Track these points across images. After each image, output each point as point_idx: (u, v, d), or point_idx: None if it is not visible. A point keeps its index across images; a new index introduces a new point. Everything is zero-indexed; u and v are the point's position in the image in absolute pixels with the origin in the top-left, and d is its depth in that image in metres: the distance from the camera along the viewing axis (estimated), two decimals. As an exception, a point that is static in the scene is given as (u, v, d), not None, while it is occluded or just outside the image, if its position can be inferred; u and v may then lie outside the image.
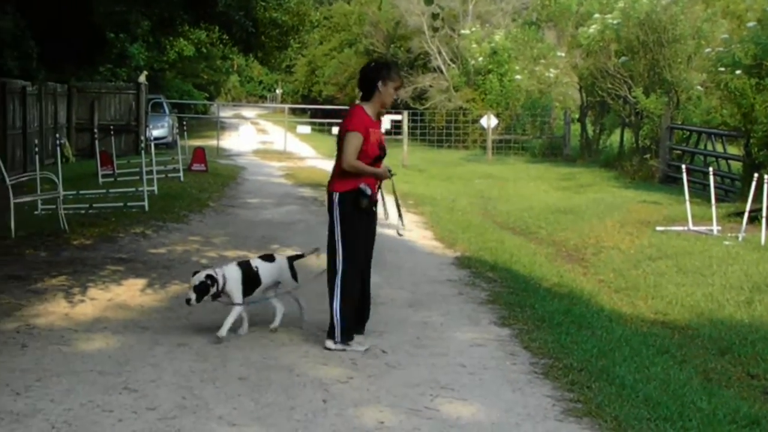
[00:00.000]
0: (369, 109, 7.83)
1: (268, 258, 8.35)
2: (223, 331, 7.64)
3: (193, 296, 7.66)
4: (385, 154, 7.85)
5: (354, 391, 6.59)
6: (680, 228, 15.45)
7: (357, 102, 8.07)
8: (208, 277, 7.70)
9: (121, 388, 6.44)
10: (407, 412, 6.19)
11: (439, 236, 14.48)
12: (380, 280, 10.69)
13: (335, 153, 7.85)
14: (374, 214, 7.86)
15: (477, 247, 13.31)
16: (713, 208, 15.59)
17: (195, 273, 7.84)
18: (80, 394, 6.28)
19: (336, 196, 7.65)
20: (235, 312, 7.82)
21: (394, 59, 49.43)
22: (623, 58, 26.97)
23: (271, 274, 8.13)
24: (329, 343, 7.65)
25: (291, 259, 8.38)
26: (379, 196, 7.82)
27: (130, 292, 9.54)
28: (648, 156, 25.16)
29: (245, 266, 8.03)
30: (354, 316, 7.74)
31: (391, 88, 7.85)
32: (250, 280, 7.96)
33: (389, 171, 7.90)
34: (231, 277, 7.84)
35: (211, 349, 7.48)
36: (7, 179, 13.50)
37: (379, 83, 7.77)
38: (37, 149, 16.11)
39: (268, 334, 8.06)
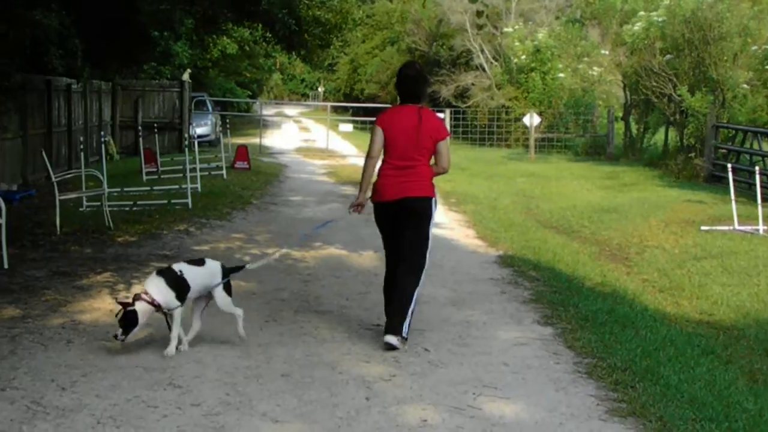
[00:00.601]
0: None
1: (197, 262, 7.60)
2: (171, 349, 7.16)
3: (119, 332, 7.05)
4: None
5: (397, 389, 6.59)
6: (725, 227, 15.31)
7: (422, 105, 8.04)
8: (129, 312, 7.04)
9: (165, 384, 6.48)
10: (450, 410, 6.18)
11: (481, 235, 14.44)
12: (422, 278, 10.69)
13: (416, 154, 7.82)
14: None
15: (519, 246, 13.26)
16: (759, 207, 15.44)
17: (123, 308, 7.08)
18: (125, 389, 6.33)
19: (433, 201, 7.89)
20: (178, 320, 7.22)
21: (436, 57, 49.42)
22: (668, 56, 26.73)
23: (201, 278, 7.37)
24: (394, 339, 7.55)
25: (227, 269, 7.61)
26: None
27: (174, 289, 9.59)
28: (693, 155, 24.92)
29: (168, 272, 7.32)
30: None
31: None
32: (178, 286, 7.22)
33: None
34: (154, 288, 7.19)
35: (255, 346, 7.51)
36: (53, 176, 13.63)
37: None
38: (82, 147, 16.26)
39: (311, 330, 8.07)
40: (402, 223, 7.80)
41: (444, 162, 7.99)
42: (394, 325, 7.59)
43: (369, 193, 7.99)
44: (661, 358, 7.56)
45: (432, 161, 8.03)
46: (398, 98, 8.08)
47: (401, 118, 7.86)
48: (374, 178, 7.96)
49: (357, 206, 8.01)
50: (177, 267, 7.36)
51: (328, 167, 26.72)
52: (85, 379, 6.53)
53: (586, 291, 10.32)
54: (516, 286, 10.50)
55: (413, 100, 7.95)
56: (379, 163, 7.95)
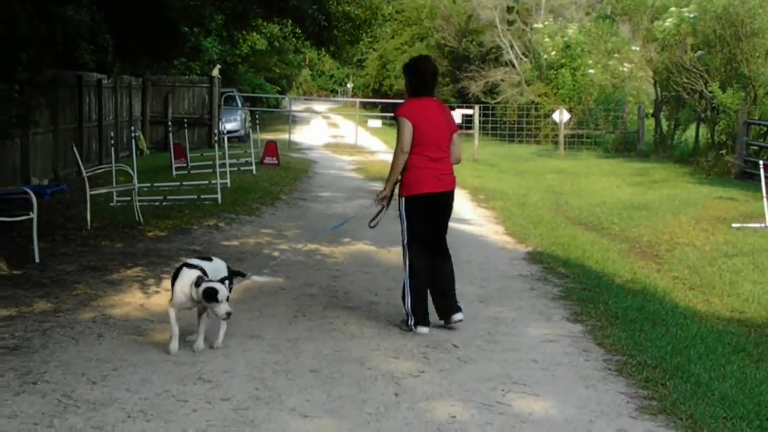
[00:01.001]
0: None
1: (205, 258, 7.68)
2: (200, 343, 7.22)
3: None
4: None
5: (425, 385, 6.59)
6: (757, 225, 15.20)
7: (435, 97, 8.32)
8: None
9: (195, 378, 6.50)
10: (479, 406, 6.17)
11: (510, 231, 14.40)
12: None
13: (444, 147, 8.07)
14: None
15: (549, 243, 13.22)
16: (791, 205, 15.32)
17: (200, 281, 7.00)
18: (155, 383, 6.36)
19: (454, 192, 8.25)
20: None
21: (465, 53, 49.35)
22: (699, 52, 26.57)
23: (211, 272, 7.22)
24: (461, 315, 8.18)
25: (231, 270, 7.61)
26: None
27: (204, 284, 9.63)
28: (724, 152, 24.75)
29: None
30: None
31: None
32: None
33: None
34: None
35: (284, 341, 7.53)
36: (84, 171, 13.72)
37: None
38: (112, 142, 16.37)
39: (340, 326, 8.08)
40: (438, 214, 8.08)
41: (459, 152, 8.29)
42: (455, 305, 8.16)
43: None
44: (691, 355, 7.51)
45: None
46: (414, 91, 8.16)
47: (429, 111, 8.01)
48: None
49: (383, 199, 8.21)
50: (190, 262, 7.35)
51: (356, 163, 26.75)
52: (115, 373, 6.56)
53: (616, 288, 10.28)
54: (545, 282, 10.47)
55: (431, 94, 8.17)
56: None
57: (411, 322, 8.00)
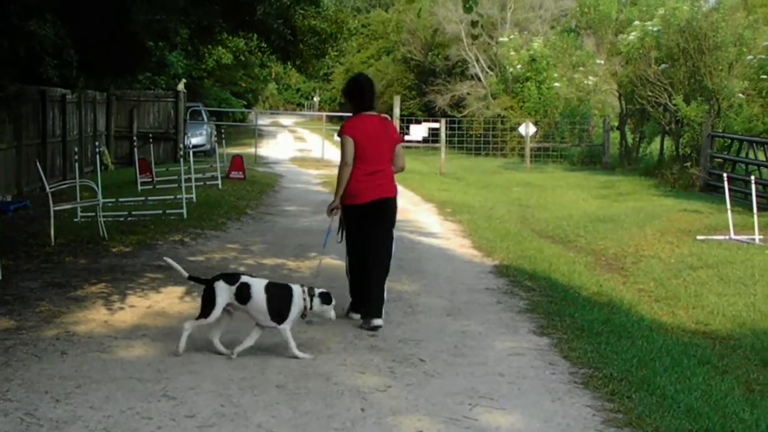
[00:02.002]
0: None
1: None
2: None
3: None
4: None
5: (392, 399, 6.56)
6: (721, 237, 15.32)
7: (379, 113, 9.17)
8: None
9: (160, 395, 6.45)
10: (446, 421, 6.15)
11: (477, 245, 14.42)
12: (418, 288, 10.69)
13: (383, 159, 8.88)
14: None
15: (515, 256, 13.25)
16: (755, 217, 15.46)
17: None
18: (119, 401, 6.29)
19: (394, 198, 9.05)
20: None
21: (431, 67, 49.49)
22: (663, 66, 26.80)
23: None
24: (381, 321, 8.68)
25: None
26: None
27: (169, 300, 9.57)
28: (688, 164, 24.96)
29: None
30: None
31: None
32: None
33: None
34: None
35: (249, 357, 7.48)
36: (47, 187, 13.61)
37: None
38: (76, 157, 16.24)
39: (307, 341, 8.04)
40: (373, 218, 8.84)
41: (402, 162, 9.14)
42: (378, 310, 8.68)
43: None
44: (657, 368, 7.54)
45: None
46: (355, 109, 8.96)
47: (369, 126, 8.83)
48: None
49: (333, 210, 8.99)
50: (275, 282, 7.97)
51: (323, 177, 26.70)
52: (79, 390, 6.49)
53: (582, 301, 10.31)
54: (512, 295, 10.49)
55: (371, 108, 8.95)
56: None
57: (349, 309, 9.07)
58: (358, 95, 8.95)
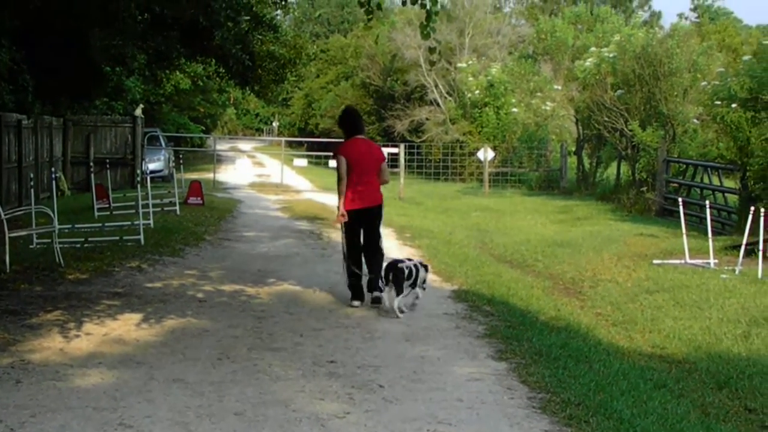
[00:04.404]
0: None
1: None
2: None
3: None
4: None
5: (351, 426, 6.55)
6: (677, 261, 15.44)
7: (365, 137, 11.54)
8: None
9: (116, 424, 6.39)
10: (404, 447, 6.14)
11: (435, 269, 14.40)
12: (375, 313, 10.68)
13: (371, 174, 11.07)
14: None
15: (474, 281, 13.28)
16: (710, 241, 15.60)
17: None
18: (75, 430, 6.23)
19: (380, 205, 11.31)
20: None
21: (390, 92, 49.64)
22: (619, 92, 27.06)
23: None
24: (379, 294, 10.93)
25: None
26: None
27: (126, 327, 9.50)
28: (644, 189, 25.17)
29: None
30: None
31: None
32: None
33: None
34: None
35: (207, 384, 7.44)
36: (2, 213, 13.46)
37: None
38: (32, 183, 16.13)
39: (265, 368, 8.01)
40: (363, 221, 11.06)
41: (387, 176, 11.44)
42: (377, 284, 10.87)
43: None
44: (614, 392, 7.59)
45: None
46: (347, 135, 11.22)
47: (358, 148, 11.06)
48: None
49: (342, 215, 10.91)
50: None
51: (282, 202, 26.63)
52: (34, 419, 6.43)
53: (540, 325, 10.34)
54: (470, 320, 10.50)
55: (360, 133, 11.27)
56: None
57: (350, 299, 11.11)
58: (349, 123, 11.34)
